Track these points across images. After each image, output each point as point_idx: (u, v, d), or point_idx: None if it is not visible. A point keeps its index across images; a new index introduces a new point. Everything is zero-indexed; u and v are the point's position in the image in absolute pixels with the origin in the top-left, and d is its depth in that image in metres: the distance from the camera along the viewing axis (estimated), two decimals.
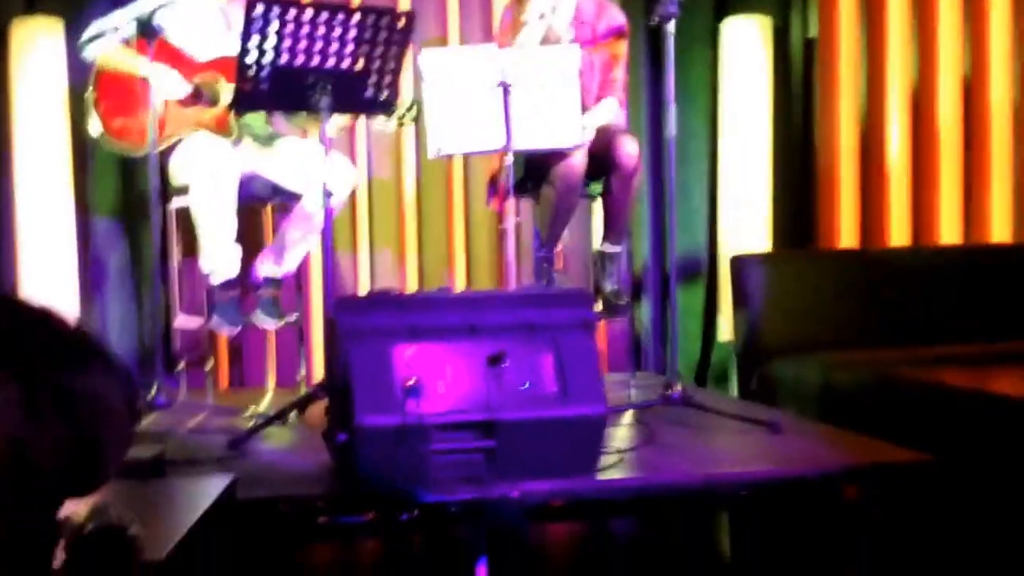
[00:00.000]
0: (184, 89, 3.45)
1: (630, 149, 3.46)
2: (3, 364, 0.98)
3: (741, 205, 4.30)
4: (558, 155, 3.41)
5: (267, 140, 3.65)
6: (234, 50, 3.41)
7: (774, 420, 2.99)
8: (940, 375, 3.26)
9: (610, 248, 3.63)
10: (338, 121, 3.44)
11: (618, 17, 3.69)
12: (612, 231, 3.61)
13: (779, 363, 3.82)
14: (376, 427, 2.27)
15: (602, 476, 2.48)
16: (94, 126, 3.46)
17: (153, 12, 3.24)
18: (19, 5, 3.99)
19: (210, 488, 1.93)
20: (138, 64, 3.42)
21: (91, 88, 3.50)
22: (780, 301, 4.01)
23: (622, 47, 3.68)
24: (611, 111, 3.62)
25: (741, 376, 4.13)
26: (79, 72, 3.62)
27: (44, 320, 1.03)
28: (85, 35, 3.50)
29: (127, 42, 3.44)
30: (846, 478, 2.63)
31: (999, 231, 4.64)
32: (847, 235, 4.61)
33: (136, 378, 1.10)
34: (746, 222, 4.29)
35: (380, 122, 3.44)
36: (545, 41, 3.56)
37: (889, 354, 3.66)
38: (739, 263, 4.13)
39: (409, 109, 3.44)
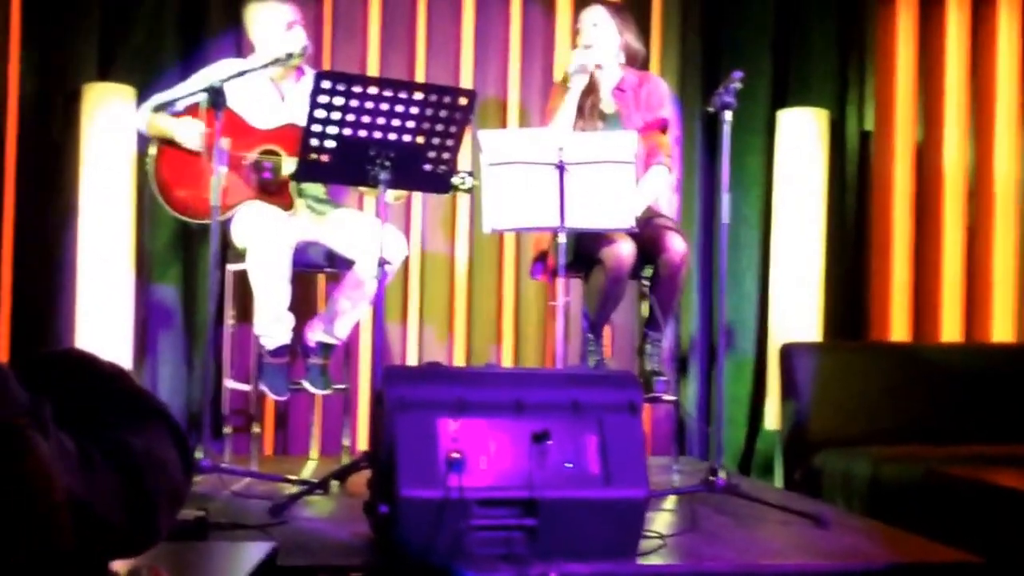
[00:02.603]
0: (195, 140, 3.52)
1: (678, 245, 3.49)
2: (64, 420, 1.01)
3: (792, 293, 4.28)
4: (607, 239, 3.44)
5: (323, 208, 3.73)
6: (290, 120, 3.52)
7: (820, 513, 2.95)
8: (991, 474, 3.20)
9: (653, 334, 3.64)
10: (397, 191, 3.50)
11: (662, 108, 3.73)
12: (656, 320, 3.61)
13: (826, 455, 3.77)
14: (418, 499, 2.27)
15: (643, 561, 2.45)
16: (155, 194, 3.59)
17: (222, 81, 3.35)
18: (92, 71, 4.15)
19: (251, 553, 1.93)
20: (168, 125, 3.54)
21: (153, 159, 3.62)
22: (829, 392, 3.97)
23: (665, 140, 3.72)
24: (658, 180, 3.65)
25: (787, 466, 4.07)
26: (145, 140, 3.74)
27: (109, 379, 1.06)
28: (147, 105, 3.63)
29: (188, 110, 3.56)
30: None
31: None
32: (898, 328, 4.57)
33: (190, 441, 1.12)
34: (797, 310, 4.27)
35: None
36: (589, 106, 3.63)
37: (939, 451, 3.60)
38: (789, 352, 4.10)
39: (467, 177, 3.47)
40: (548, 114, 3.76)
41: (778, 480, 4.13)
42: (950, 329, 4.59)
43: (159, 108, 3.60)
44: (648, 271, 3.62)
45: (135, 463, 1.03)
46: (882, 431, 3.83)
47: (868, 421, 3.91)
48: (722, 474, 3.11)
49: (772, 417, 4.26)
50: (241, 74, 3.42)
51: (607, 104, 3.74)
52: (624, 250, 3.44)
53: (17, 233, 4.14)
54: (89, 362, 1.08)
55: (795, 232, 4.31)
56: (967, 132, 4.67)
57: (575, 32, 3.83)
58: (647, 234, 3.50)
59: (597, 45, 3.69)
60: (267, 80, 3.68)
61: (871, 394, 3.99)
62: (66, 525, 0.94)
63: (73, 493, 0.97)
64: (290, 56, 3.58)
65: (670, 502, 3.17)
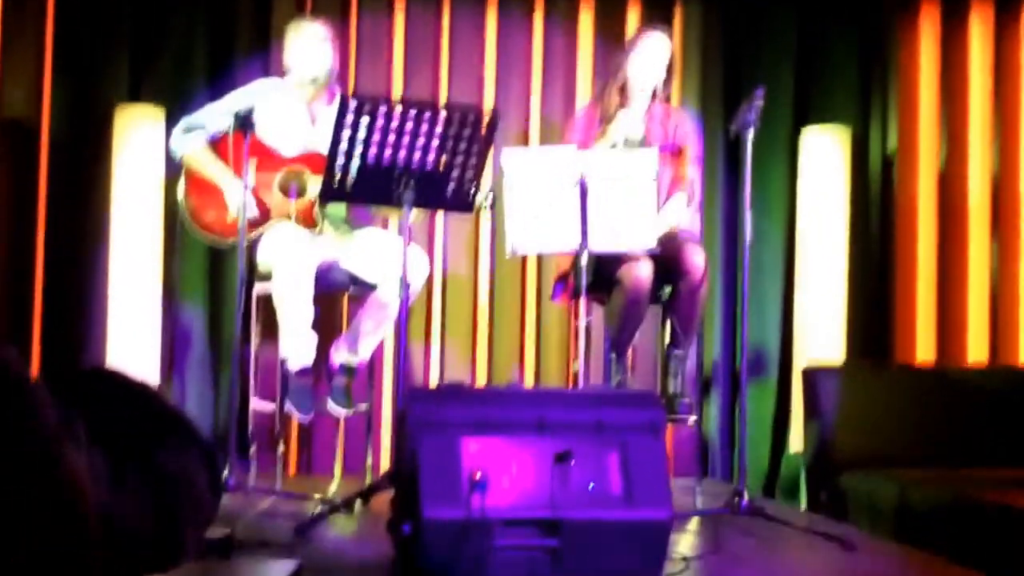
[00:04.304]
0: (251, 208, 3.55)
1: (697, 260, 3.46)
2: (95, 435, 1.03)
3: (816, 314, 4.26)
4: (625, 260, 3.43)
5: (346, 230, 3.75)
6: (319, 144, 3.55)
7: (846, 536, 2.93)
8: (1020, 499, 3.16)
9: (676, 352, 3.62)
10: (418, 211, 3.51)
11: (690, 140, 3.71)
12: (679, 337, 3.59)
13: (851, 478, 3.74)
14: (441, 520, 2.28)
15: None
16: (183, 216, 3.63)
17: (250, 107, 3.38)
18: (124, 93, 4.22)
19: (276, 572, 1.95)
20: (214, 172, 3.57)
21: (182, 180, 3.66)
22: (853, 414, 3.93)
23: (683, 168, 3.70)
24: (679, 209, 3.65)
25: (811, 489, 4.04)
26: (174, 161, 3.78)
27: (139, 396, 1.08)
28: (179, 127, 3.66)
29: (216, 140, 3.59)
30: None
31: None
32: (923, 350, 4.53)
33: (220, 460, 1.13)
34: (820, 331, 4.24)
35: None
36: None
37: (967, 474, 3.56)
38: (813, 373, 4.08)
39: (489, 194, 3.49)
40: (582, 137, 3.72)
41: (803, 503, 4.10)
42: (976, 351, 4.55)
43: (189, 130, 3.64)
44: (667, 291, 3.60)
45: (164, 480, 1.04)
46: (908, 454, 3.79)
47: (893, 443, 3.87)
48: (746, 496, 3.09)
49: (796, 439, 4.24)
50: (268, 98, 3.45)
51: (634, 129, 3.71)
52: (643, 271, 3.44)
53: (48, 253, 4.21)
54: (120, 379, 1.09)
55: (818, 252, 4.29)
56: (991, 149, 4.63)
57: (628, 45, 3.75)
58: (666, 253, 3.49)
59: (651, 74, 3.68)
60: (299, 103, 3.71)
61: (896, 416, 3.95)
62: (95, 538, 0.96)
63: (103, 507, 0.99)
64: (314, 80, 3.62)
65: (693, 524, 3.16)
